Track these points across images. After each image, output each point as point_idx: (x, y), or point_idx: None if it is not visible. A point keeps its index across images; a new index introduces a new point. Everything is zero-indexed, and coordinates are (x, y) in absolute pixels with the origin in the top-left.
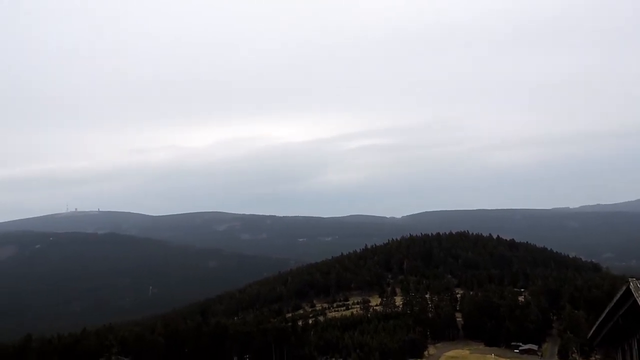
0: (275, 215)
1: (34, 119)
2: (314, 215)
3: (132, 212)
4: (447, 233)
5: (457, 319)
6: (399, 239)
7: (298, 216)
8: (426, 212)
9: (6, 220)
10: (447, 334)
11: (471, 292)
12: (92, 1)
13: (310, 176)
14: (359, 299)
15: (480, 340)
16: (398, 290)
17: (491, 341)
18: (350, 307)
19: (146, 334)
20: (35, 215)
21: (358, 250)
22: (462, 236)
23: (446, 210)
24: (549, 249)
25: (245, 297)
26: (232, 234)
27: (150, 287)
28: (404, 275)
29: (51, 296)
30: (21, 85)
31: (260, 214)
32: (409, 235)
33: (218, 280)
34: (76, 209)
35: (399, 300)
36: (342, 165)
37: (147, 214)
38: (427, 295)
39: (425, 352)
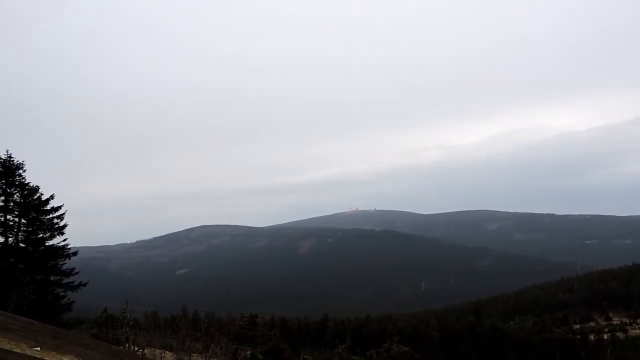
0: (554, 214)
1: (325, 132)
2: (605, 214)
3: (403, 210)
4: None
5: None
6: None
7: (583, 214)
8: None
9: (306, 218)
10: None
11: None
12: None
13: (597, 168)
14: None
15: None
16: None
17: None
18: None
19: (421, 327)
20: (327, 214)
21: None
22: None
23: None
24: None
25: (522, 300)
26: (503, 233)
27: (423, 283)
28: None
29: (340, 283)
30: (320, 107)
31: (536, 212)
32: None
33: (490, 281)
34: (357, 208)
35: None
36: None
37: (417, 212)
38: None
39: None
